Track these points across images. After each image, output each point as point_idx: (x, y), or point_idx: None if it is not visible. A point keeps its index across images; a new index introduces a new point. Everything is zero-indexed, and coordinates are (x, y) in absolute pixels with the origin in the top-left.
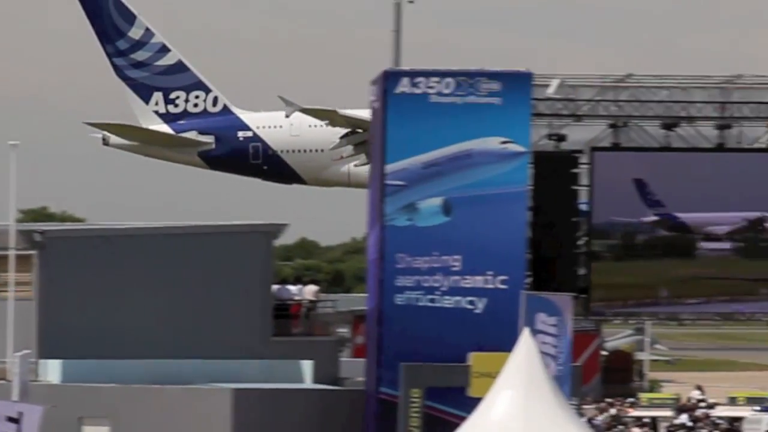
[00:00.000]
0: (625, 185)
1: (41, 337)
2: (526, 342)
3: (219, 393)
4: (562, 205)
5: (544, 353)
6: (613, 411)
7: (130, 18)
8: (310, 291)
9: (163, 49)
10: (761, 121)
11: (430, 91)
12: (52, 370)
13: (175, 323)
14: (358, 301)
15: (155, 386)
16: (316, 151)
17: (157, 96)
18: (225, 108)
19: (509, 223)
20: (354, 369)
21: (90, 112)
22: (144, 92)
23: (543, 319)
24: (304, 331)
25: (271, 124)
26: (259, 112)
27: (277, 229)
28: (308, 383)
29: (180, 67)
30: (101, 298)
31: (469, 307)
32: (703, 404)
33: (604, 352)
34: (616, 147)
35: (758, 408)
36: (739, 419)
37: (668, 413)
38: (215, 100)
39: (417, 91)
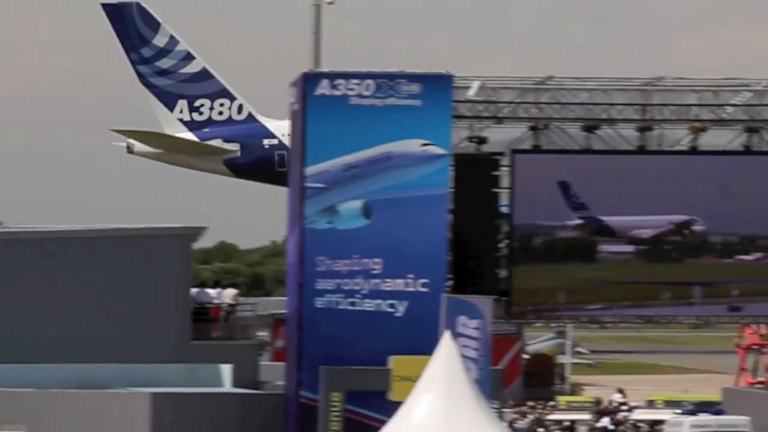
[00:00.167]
0: (547, 188)
1: None
2: (447, 345)
3: (137, 397)
4: (483, 207)
5: (465, 356)
6: (533, 416)
7: (155, 25)
8: (229, 294)
9: (188, 57)
10: (682, 123)
11: (350, 93)
12: None
13: (92, 327)
14: (277, 304)
15: (73, 391)
16: None
17: (182, 104)
18: (250, 116)
19: (430, 226)
20: (274, 373)
21: (91, 117)
22: (168, 100)
23: (464, 322)
24: (224, 335)
25: None
26: (284, 120)
27: (195, 232)
28: (228, 387)
29: (205, 75)
30: (17, 301)
31: (390, 310)
32: (624, 407)
33: (525, 356)
34: (536, 149)
35: (680, 411)
36: (660, 422)
37: (587, 416)
38: (240, 108)
39: (337, 93)
